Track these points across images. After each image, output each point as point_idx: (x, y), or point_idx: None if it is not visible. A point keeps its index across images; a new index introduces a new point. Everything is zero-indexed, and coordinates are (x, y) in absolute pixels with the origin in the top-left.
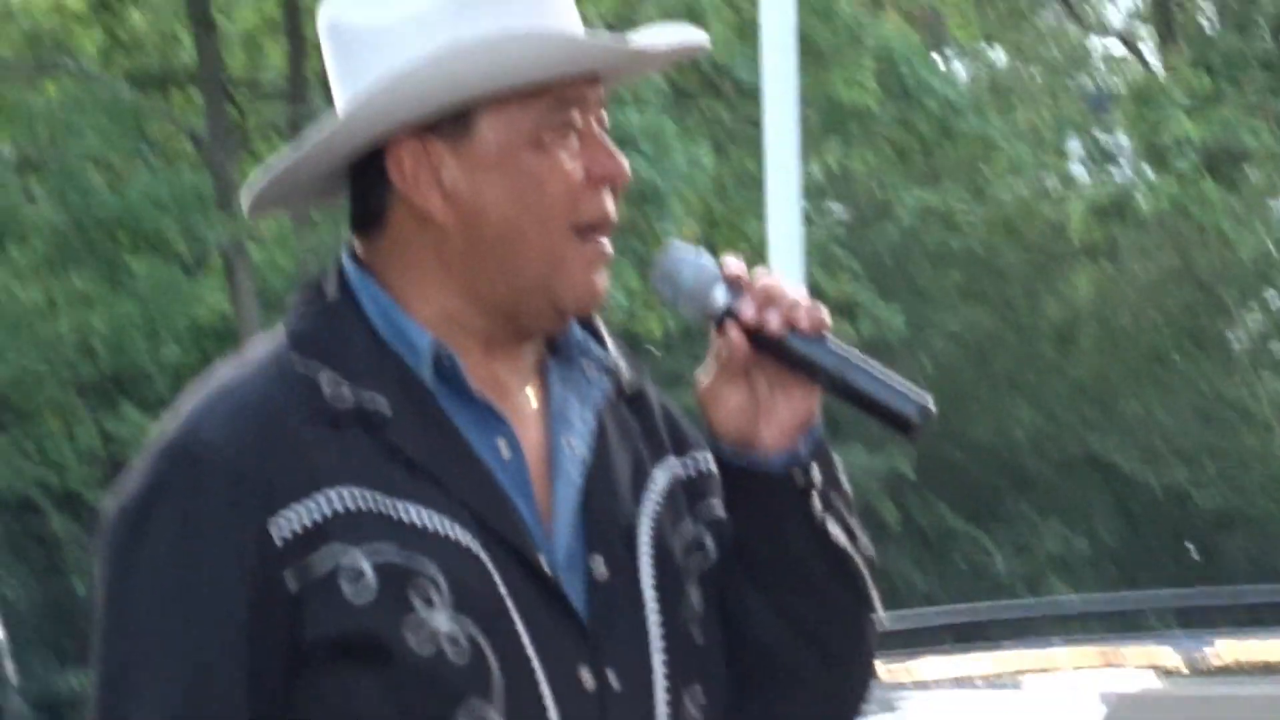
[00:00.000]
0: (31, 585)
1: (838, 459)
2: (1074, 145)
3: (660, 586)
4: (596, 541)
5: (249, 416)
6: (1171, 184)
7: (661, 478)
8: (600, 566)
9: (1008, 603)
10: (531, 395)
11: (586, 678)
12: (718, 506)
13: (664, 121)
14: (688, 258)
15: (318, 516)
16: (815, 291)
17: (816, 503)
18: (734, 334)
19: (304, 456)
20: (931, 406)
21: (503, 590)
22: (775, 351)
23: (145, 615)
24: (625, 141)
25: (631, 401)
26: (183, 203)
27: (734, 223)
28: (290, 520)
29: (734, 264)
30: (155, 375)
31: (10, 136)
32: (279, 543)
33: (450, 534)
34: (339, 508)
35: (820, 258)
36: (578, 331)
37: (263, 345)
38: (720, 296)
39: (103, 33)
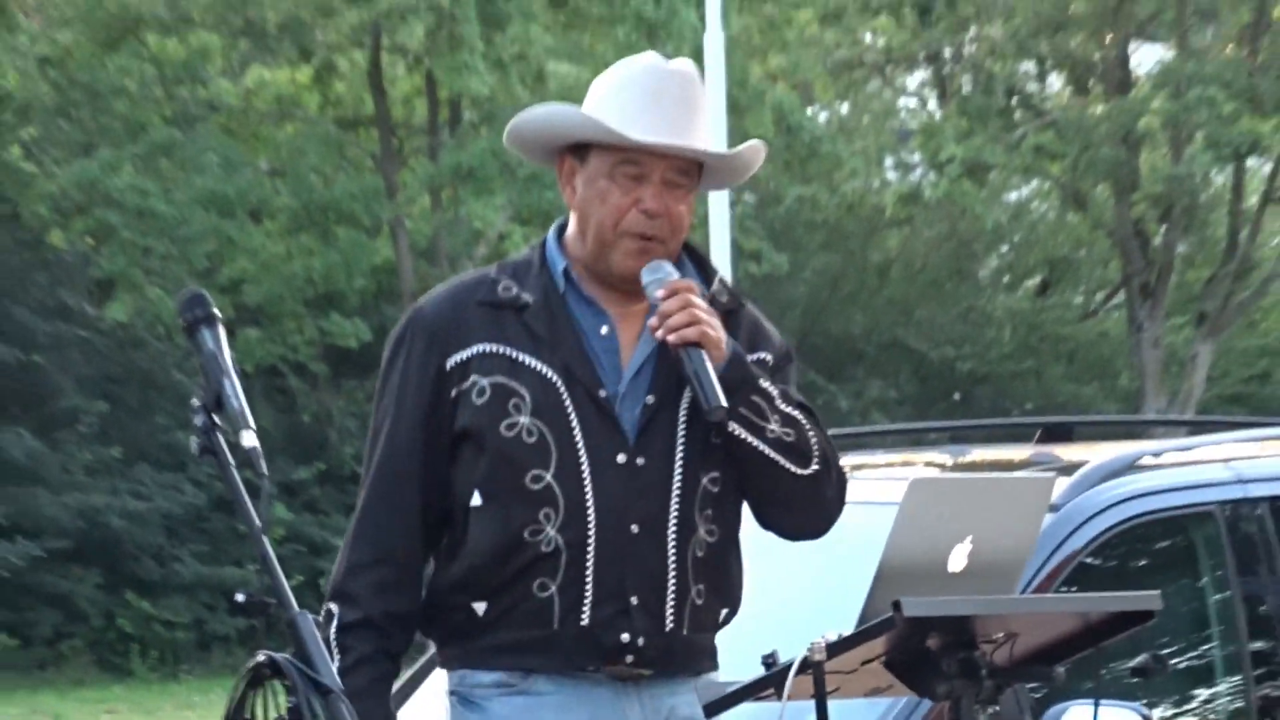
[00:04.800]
0: (278, 420)
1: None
2: (889, 161)
3: (689, 413)
4: (657, 384)
5: (448, 298)
6: (946, 183)
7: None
8: (651, 399)
9: (847, 430)
10: (641, 309)
11: (621, 459)
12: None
13: None
14: (660, 267)
15: (468, 356)
16: (736, 246)
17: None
18: (652, 322)
19: (469, 323)
20: (724, 408)
21: (569, 405)
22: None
23: (391, 396)
24: None
25: (728, 313)
26: (366, 195)
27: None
28: (455, 358)
29: (679, 284)
30: (350, 295)
31: (267, 156)
32: (448, 369)
33: (541, 370)
34: (480, 352)
35: (740, 226)
36: (689, 267)
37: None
38: (656, 297)
39: (320, 95)
